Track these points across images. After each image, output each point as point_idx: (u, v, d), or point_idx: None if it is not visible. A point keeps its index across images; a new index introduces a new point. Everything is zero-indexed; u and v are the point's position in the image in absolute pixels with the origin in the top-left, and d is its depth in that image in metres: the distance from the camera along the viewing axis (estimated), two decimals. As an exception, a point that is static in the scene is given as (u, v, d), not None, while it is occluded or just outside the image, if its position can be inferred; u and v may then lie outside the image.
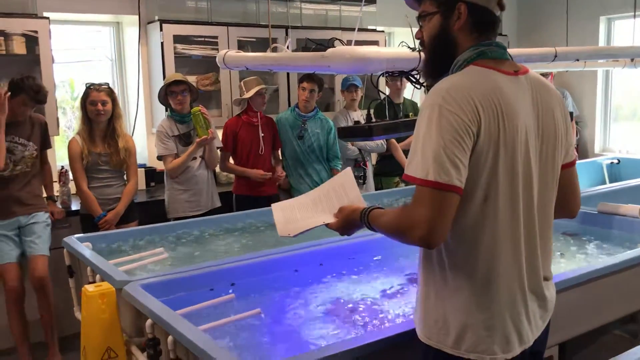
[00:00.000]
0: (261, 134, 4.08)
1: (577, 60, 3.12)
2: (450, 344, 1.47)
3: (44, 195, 3.66)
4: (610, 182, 5.24)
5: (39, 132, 3.51)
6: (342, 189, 1.82)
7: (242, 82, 4.15)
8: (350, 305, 2.29)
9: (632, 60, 3.86)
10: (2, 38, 3.79)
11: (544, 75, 5.32)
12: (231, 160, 4.17)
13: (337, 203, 1.77)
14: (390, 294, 2.40)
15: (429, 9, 1.54)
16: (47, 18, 3.91)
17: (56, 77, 4.01)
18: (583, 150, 6.18)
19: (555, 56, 2.79)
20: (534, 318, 1.55)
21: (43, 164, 3.62)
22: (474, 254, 1.45)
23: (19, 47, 3.84)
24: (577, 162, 5.43)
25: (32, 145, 3.46)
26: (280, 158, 4.34)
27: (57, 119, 3.97)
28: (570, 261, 2.72)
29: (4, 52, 3.80)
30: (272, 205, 1.96)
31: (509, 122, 1.42)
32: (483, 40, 1.51)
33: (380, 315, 2.20)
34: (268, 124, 4.17)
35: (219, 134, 4.07)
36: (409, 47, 2.21)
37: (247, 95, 4.02)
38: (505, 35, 6.38)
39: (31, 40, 3.87)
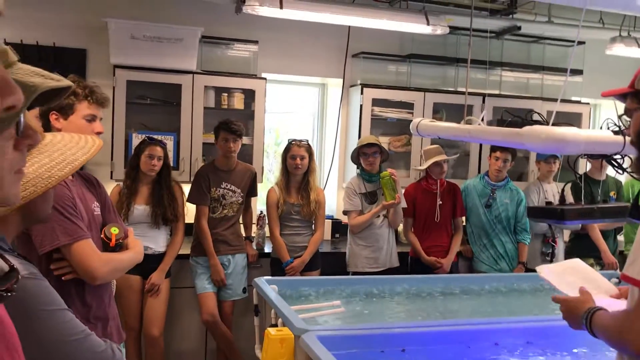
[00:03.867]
0: (439, 202, 4.08)
1: None
2: None
3: (244, 235, 4.04)
4: None
5: (249, 181, 3.93)
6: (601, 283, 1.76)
7: (422, 151, 4.23)
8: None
9: None
10: (226, 94, 4.34)
11: None
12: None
13: (591, 287, 1.66)
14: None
15: (631, 106, 1.48)
16: (265, 79, 4.39)
17: (265, 124, 4.43)
18: None
19: None
20: None
21: (246, 208, 4.01)
22: None
23: (238, 103, 4.36)
24: None
25: (240, 193, 3.87)
26: (461, 225, 4.26)
27: (262, 167, 4.39)
28: None
29: (226, 107, 4.34)
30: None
31: None
32: None
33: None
34: (450, 191, 4.16)
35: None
36: (614, 124, 2.11)
37: (423, 166, 4.10)
38: None
39: (249, 97, 4.37)
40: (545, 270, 1.84)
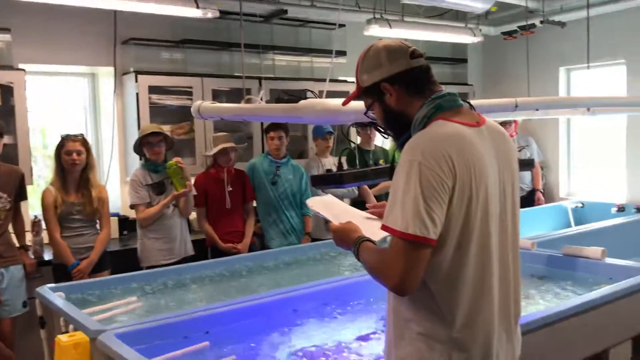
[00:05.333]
0: (228, 189, 4.12)
1: (537, 110, 3.29)
2: None
3: (17, 245, 3.63)
4: (576, 225, 5.40)
5: (16, 184, 3.53)
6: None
7: (212, 136, 4.23)
8: (325, 351, 2.32)
9: (588, 109, 4.06)
10: (-22, 89, 3.84)
11: (509, 123, 5.54)
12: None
13: (353, 219, 1.81)
14: (364, 338, 2.44)
15: (366, 101, 1.71)
16: (23, 70, 3.96)
17: (29, 125, 4.02)
18: (549, 195, 6.36)
19: (516, 106, 2.93)
20: None
21: (16, 214, 3.61)
22: (449, 299, 1.51)
23: (-6, 98, 3.88)
24: (544, 206, 5.63)
25: (7, 198, 3.46)
26: (253, 209, 4.35)
27: (31, 168, 3.98)
28: (537, 303, 2.80)
29: (-22, 103, 3.84)
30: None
31: (480, 176, 1.51)
32: (427, 93, 1.61)
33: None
34: (238, 178, 4.22)
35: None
36: (365, 114, 2.32)
37: (211, 152, 4.11)
38: (471, 85, 6.63)
39: (7, 91, 3.91)
40: (315, 203, 2.00)
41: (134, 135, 4.25)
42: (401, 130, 1.65)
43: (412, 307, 1.55)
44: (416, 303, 1.54)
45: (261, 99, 2.73)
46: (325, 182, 2.33)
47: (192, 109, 2.83)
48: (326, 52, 5.45)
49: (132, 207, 3.90)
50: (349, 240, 1.67)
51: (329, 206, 1.99)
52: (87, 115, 4.82)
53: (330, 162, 4.57)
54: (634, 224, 4.55)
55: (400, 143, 1.65)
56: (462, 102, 1.63)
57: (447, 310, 1.51)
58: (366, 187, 4.71)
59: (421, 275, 1.45)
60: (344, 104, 1.79)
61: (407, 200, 1.44)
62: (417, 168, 1.44)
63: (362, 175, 2.24)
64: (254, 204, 4.41)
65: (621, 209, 5.35)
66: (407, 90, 1.61)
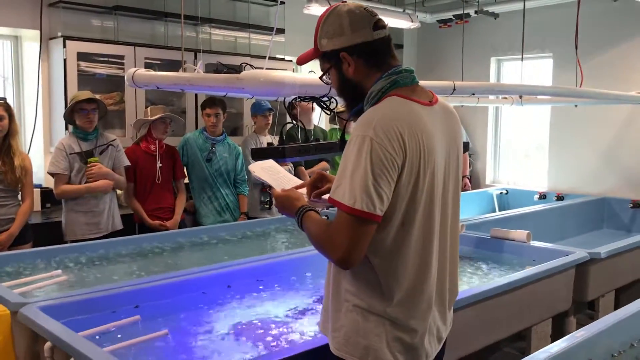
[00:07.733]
0: (159, 164, 4.01)
1: (473, 94, 3.37)
2: (359, 356, 1.54)
3: None
4: (500, 210, 5.63)
5: None
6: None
7: (148, 109, 4.08)
8: (260, 325, 2.30)
9: (520, 97, 4.21)
10: None
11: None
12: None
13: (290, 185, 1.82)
14: (298, 313, 2.44)
15: (324, 66, 1.66)
16: None
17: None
18: (475, 181, 6.57)
19: (454, 89, 2.99)
20: (437, 336, 1.65)
21: None
22: (389, 274, 1.52)
23: None
24: (471, 191, 5.82)
25: None
26: (183, 186, 4.24)
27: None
28: (465, 282, 2.89)
29: None
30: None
31: (429, 155, 1.52)
32: (385, 66, 1.59)
33: (290, 335, 2.23)
34: (168, 154, 4.10)
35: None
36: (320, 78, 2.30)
37: (152, 117, 3.96)
38: (406, 70, 6.71)
39: None
40: (257, 169, 1.96)
41: (59, 104, 4.04)
42: (355, 100, 1.63)
43: (352, 280, 1.55)
44: (357, 276, 1.54)
45: (199, 70, 2.64)
46: (266, 155, 2.29)
47: (126, 76, 2.71)
48: (264, 29, 5.37)
49: (51, 175, 3.69)
50: (292, 208, 1.65)
51: (271, 171, 1.95)
52: (7, 81, 4.53)
53: (267, 140, 4.52)
54: (555, 210, 4.79)
55: (352, 113, 1.64)
56: (417, 79, 1.62)
57: (387, 285, 1.53)
58: (303, 168, 4.70)
59: (365, 250, 1.46)
60: (300, 62, 1.72)
61: (356, 175, 1.43)
62: (369, 144, 1.44)
63: (304, 150, 2.22)
64: (186, 180, 4.31)
65: (542, 197, 5.62)
66: (365, 62, 1.59)
